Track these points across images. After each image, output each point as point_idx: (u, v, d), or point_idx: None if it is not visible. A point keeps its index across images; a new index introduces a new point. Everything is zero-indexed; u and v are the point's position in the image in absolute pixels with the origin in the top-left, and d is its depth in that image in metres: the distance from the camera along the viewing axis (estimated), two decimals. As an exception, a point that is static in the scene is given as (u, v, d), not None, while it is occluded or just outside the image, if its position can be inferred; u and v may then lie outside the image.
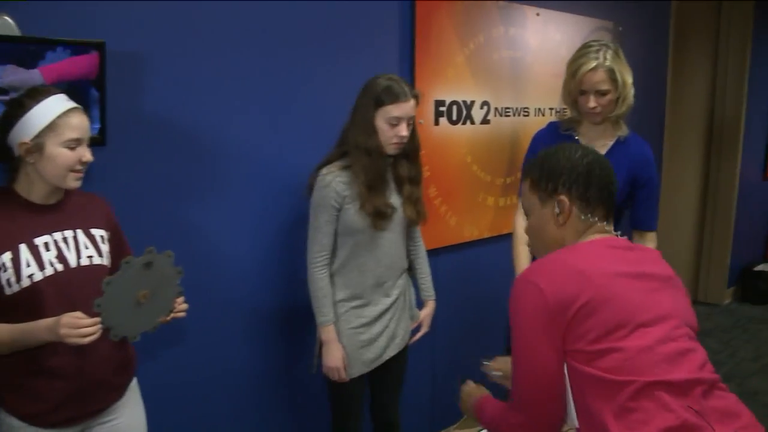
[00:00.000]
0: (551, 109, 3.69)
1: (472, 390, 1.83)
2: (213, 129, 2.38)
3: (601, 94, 2.35)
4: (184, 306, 1.94)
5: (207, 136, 2.37)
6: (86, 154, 1.78)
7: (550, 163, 1.59)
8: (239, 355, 2.57)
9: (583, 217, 1.55)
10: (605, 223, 1.58)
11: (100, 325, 1.69)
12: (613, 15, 4.09)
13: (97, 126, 2.05)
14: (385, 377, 2.55)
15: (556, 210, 1.56)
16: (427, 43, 2.96)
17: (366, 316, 2.39)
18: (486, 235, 3.44)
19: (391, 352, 2.46)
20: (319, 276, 2.34)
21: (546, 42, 3.57)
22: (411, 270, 2.60)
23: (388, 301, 2.43)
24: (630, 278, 1.44)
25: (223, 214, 2.46)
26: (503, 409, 1.56)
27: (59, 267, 1.77)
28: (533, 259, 2.37)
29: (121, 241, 1.99)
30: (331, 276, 2.38)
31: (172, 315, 1.90)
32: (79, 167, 1.77)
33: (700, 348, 1.45)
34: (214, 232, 2.44)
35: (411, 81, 2.93)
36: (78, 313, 1.68)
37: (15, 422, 1.79)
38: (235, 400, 2.58)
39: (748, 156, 5.84)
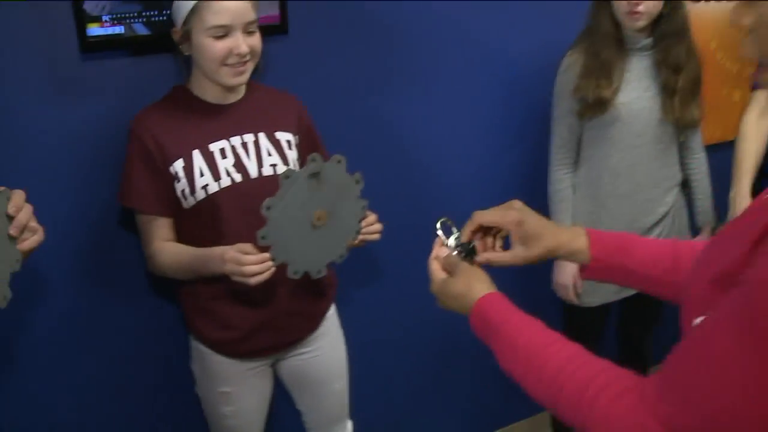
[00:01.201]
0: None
1: (474, 273, 1.03)
2: (418, 9, 1.97)
3: None
4: (377, 226, 1.58)
5: (411, 19, 1.97)
6: (241, 44, 1.44)
7: None
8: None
9: None
10: None
11: (270, 263, 1.39)
12: None
13: (276, 12, 1.74)
14: (641, 311, 2.20)
15: None
16: None
17: None
18: (730, 138, 2.84)
19: None
20: (557, 176, 2.03)
21: None
22: (687, 187, 2.12)
23: (647, 220, 2.00)
24: None
25: (434, 113, 2.08)
26: (637, 382, 0.78)
27: (237, 177, 1.52)
28: None
29: (316, 146, 1.69)
30: (577, 186, 2.03)
31: (360, 237, 1.55)
32: (233, 60, 1.46)
33: None
34: (419, 135, 2.07)
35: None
36: (246, 246, 1.40)
37: (204, 349, 1.64)
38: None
39: None
